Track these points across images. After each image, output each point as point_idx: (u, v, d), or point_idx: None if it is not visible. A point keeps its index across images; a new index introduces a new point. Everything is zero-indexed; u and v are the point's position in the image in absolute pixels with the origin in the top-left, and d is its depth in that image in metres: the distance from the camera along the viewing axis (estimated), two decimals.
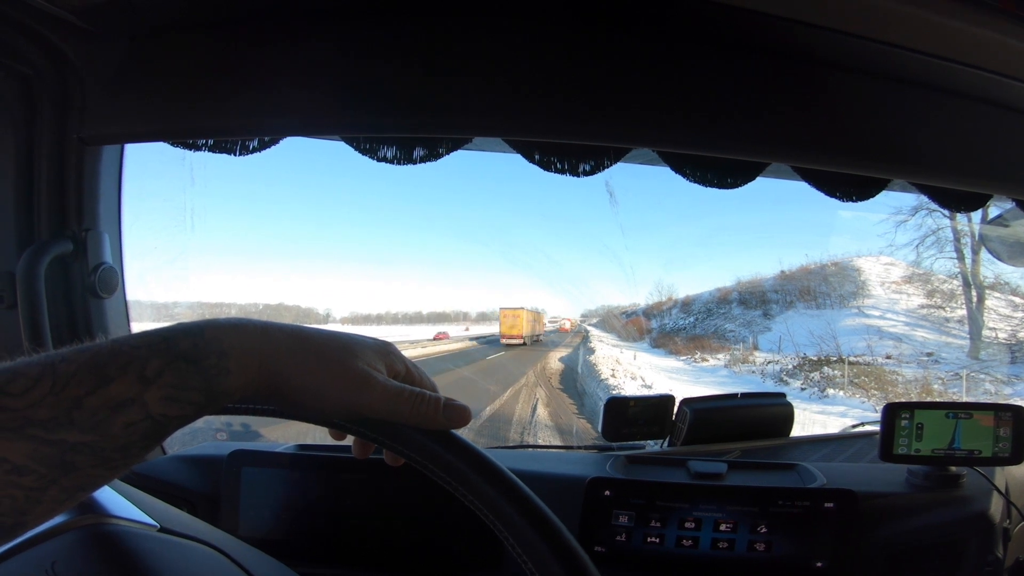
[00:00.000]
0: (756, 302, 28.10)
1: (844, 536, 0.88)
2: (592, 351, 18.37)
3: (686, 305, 41.47)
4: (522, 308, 30.40)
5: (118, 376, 0.30)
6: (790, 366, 17.31)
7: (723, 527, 0.89)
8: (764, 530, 0.88)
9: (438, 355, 22.06)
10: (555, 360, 19.98)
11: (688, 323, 33.97)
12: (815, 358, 16.88)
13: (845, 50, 0.70)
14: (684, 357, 20.88)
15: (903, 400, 1.01)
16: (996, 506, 0.94)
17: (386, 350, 0.40)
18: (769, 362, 18.47)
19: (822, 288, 22.90)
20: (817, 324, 19.58)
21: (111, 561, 0.35)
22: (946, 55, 0.67)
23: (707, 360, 19.80)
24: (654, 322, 39.93)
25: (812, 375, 15.38)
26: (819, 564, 0.88)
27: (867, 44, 0.67)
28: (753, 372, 18.00)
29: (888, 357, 15.72)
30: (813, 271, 25.25)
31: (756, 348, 19.91)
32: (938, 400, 1.12)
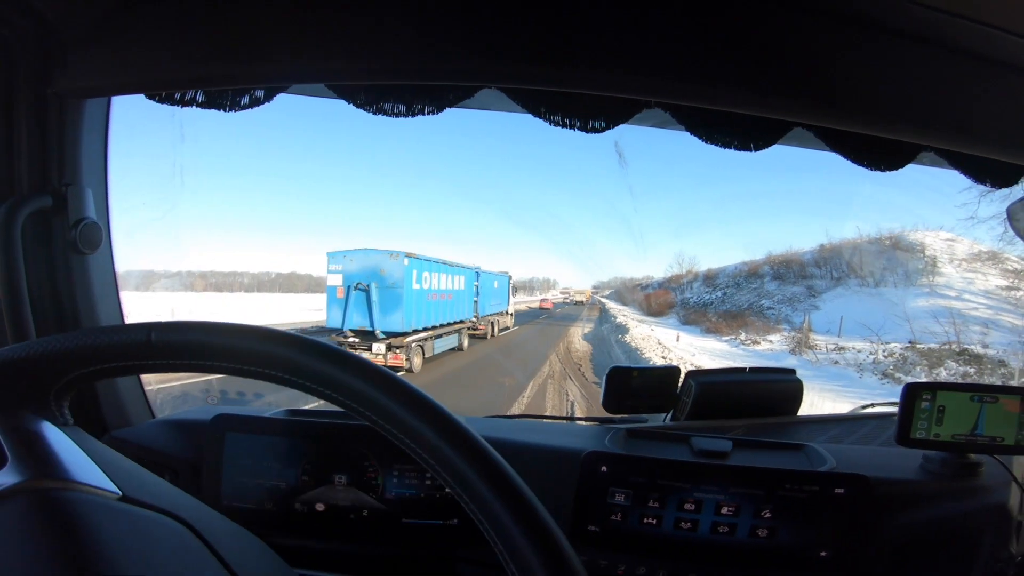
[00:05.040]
0: (794, 277, 26.49)
1: (853, 525, 0.86)
2: (624, 329, 16.81)
3: (710, 278, 40.05)
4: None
5: None
6: (881, 355, 13.86)
7: (725, 510, 0.87)
8: (768, 515, 0.86)
9: None
10: (578, 339, 18.30)
11: (715, 298, 32.62)
12: (936, 347, 13.61)
13: (879, 9, 0.68)
14: (727, 338, 19.24)
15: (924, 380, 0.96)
16: (1015, 498, 0.91)
17: None
18: (839, 348, 15.67)
19: (880, 264, 21.06)
20: (879, 304, 17.88)
21: (52, 533, 0.32)
22: (989, 21, 0.65)
23: (758, 343, 17.85)
24: (674, 295, 38.45)
25: (936, 371, 12.40)
26: (823, 554, 0.86)
27: (907, 5, 0.65)
28: (837, 363, 14.06)
29: (985, 347, 13.76)
30: (861, 245, 23.41)
31: (811, 329, 17.77)
32: (961, 382, 1.06)
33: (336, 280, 10.82)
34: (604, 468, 0.89)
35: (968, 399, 0.90)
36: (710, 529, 0.87)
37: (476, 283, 15.18)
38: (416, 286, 11.24)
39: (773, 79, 0.72)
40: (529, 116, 0.80)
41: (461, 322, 13.97)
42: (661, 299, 35.67)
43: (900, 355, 13.48)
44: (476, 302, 15.18)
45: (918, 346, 14.02)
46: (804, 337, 16.95)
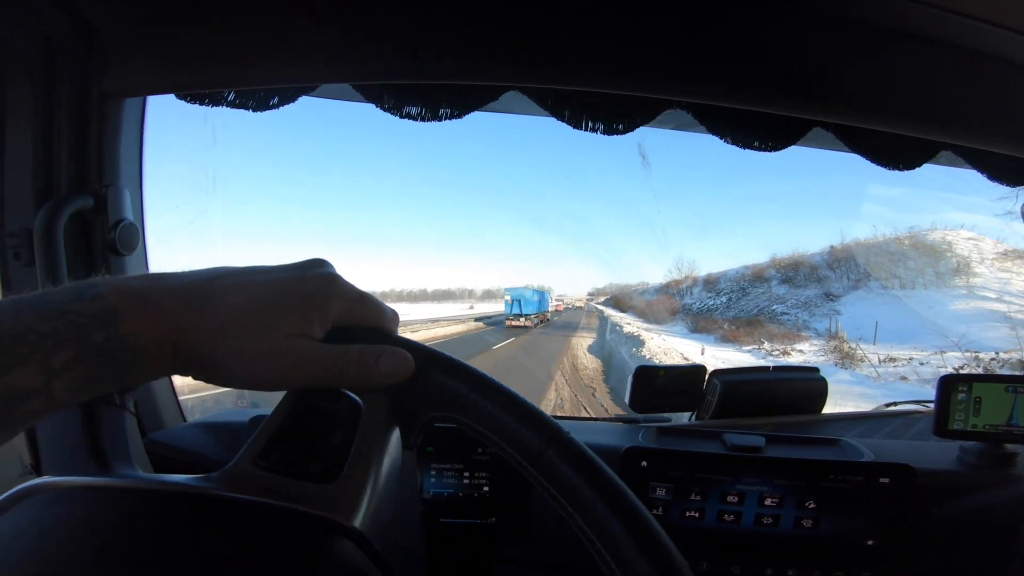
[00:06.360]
0: (805, 280, 25.32)
1: (899, 514, 0.88)
2: (637, 341, 15.26)
3: (710, 283, 39.30)
4: None
5: (19, 365, 0.27)
6: (950, 367, 11.18)
7: (768, 502, 0.89)
8: (812, 506, 0.88)
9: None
10: (583, 352, 16.72)
11: (720, 303, 31.63)
12: None
13: (896, 10, 0.70)
14: (748, 347, 17.74)
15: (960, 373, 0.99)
16: None
17: (322, 294, 0.36)
18: (890, 358, 13.27)
19: (906, 265, 19.85)
20: (911, 307, 16.54)
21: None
22: (1004, 23, 0.68)
23: (788, 353, 16.25)
24: (677, 301, 37.55)
25: None
26: (870, 543, 0.88)
27: (923, 8, 0.68)
28: (905, 379, 11.51)
29: None
30: (877, 246, 22.29)
31: (846, 338, 15.92)
32: (995, 374, 1.11)
33: (508, 298, 32.99)
34: (644, 463, 0.91)
35: (1003, 390, 0.93)
36: (754, 521, 0.89)
37: (540, 296, 34.44)
38: (532, 299, 32.64)
39: (794, 79, 0.74)
40: (526, 121, 0.89)
41: (539, 312, 33.40)
42: (665, 305, 34.56)
43: (984, 368, 11.32)
44: (540, 304, 34.75)
45: (1002, 355, 12.01)
46: (842, 345, 14.74)
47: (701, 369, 1.29)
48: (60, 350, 0.28)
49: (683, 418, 1.32)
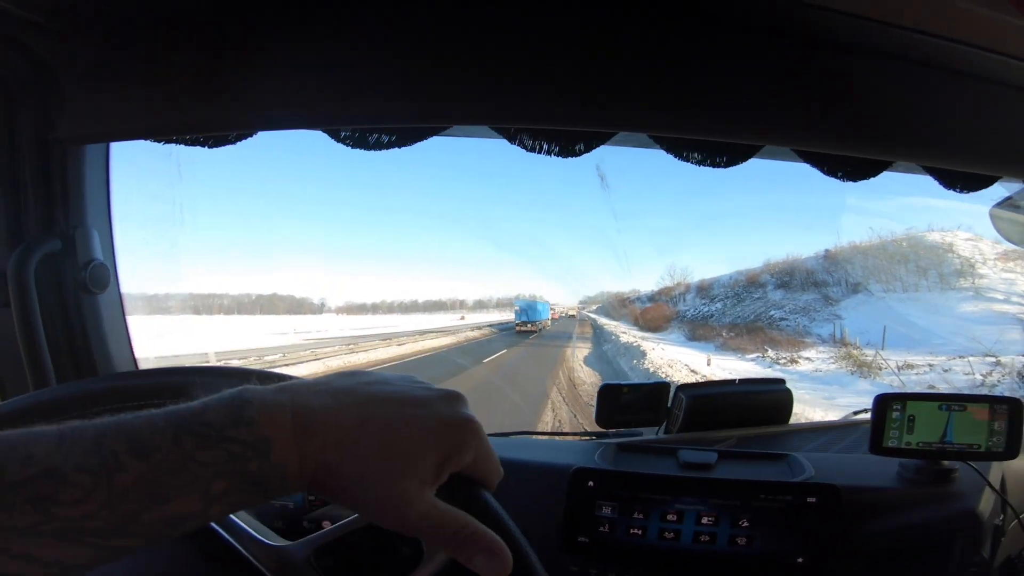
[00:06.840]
0: (802, 284, 25.04)
1: (827, 532, 0.91)
2: (638, 352, 14.75)
3: (703, 290, 39.18)
4: None
5: (180, 496, 0.30)
6: (978, 374, 10.45)
7: (705, 520, 0.93)
8: (746, 524, 0.92)
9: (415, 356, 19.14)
10: (580, 365, 15.81)
11: (715, 310, 31.27)
12: None
13: (842, 29, 0.71)
14: (752, 356, 17.21)
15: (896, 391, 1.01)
16: (987, 502, 0.96)
17: (464, 445, 0.38)
18: (907, 364, 12.12)
19: (908, 266, 19.62)
20: (918, 310, 16.21)
21: None
22: (949, 35, 0.69)
23: (796, 362, 15.58)
24: (671, 308, 37.46)
25: None
26: (800, 560, 0.90)
27: (865, 23, 0.68)
28: (933, 388, 9.77)
29: None
30: (875, 249, 22.09)
31: (858, 344, 15.28)
32: (934, 392, 1.11)
33: (516, 307, 38.03)
34: (591, 483, 0.95)
35: (936, 408, 0.94)
36: (692, 538, 0.92)
37: (541, 306, 38.12)
38: (535, 308, 36.49)
39: (738, 105, 0.74)
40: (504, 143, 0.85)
41: (541, 320, 36.18)
42: (659, 312, 34.31)
43: (1018, 374, 10.47)
44: (541, 313, 37.65)
45: None
46: (853, 352, 13.99)
47: (665, 386, 1.33)
48: (219, 480, 0.31)
49: (655, 431, 1.37)
